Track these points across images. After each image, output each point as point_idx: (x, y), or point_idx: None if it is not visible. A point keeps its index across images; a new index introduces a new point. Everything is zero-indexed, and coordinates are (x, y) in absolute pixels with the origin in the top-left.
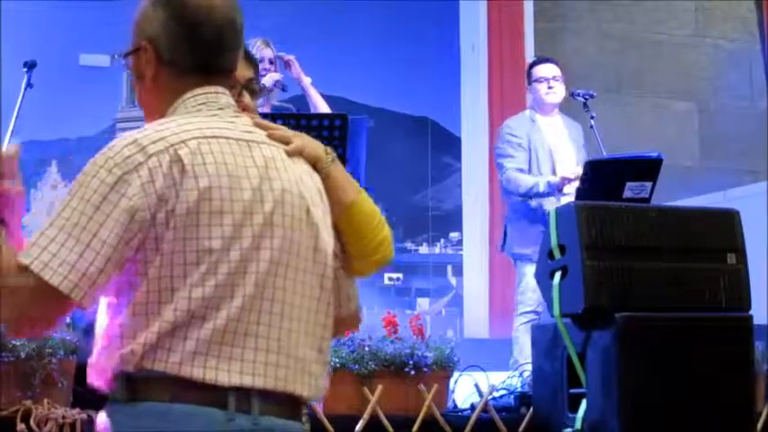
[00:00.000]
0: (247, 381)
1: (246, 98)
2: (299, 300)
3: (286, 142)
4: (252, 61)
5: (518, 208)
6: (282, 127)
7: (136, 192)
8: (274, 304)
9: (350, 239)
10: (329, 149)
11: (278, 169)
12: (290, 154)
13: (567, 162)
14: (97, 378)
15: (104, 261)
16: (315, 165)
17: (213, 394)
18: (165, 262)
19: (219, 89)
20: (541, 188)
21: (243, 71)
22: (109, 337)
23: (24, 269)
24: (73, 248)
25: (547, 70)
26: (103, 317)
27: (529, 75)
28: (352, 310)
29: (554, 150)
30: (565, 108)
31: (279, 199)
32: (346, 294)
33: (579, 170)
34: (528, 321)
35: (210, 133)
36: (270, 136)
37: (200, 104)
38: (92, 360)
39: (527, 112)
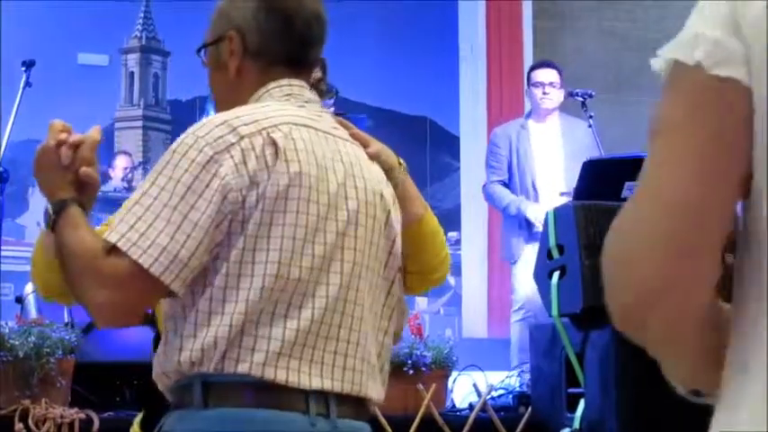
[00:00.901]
0: (327, 384)
1: None
2: (371, 303)
3: (366, 144)
4: (321, 61)
5: (506, 214)
6: (358, 130)
7: (228, 171)
8: (356, 307)
9: (412, 254)
10: (402, 160)
11: (362, 168)
12: (370, 156)
13: (551, 174)
14: (163, 377)
15: (196, 245)
16: (388, 173)
17: (294, 398)
18: (248, 246)
19: (303, 83)
20: (512, 211)
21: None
22: (179, 330)
23: (110, 250)
24: (163, 229)
25: (544, 75)
26: (172, 307)
27: (528, 78)
28: (400, 326)
29: (537, 161)
30: (564, 107)
31: (363, 198)
32: (401, 308)
33: (541, 213)
34: (521, 319)
35: (301, 122)
36: (352, 136)
37: (286, 95)
38: (159, 357)
39: (519, 119)
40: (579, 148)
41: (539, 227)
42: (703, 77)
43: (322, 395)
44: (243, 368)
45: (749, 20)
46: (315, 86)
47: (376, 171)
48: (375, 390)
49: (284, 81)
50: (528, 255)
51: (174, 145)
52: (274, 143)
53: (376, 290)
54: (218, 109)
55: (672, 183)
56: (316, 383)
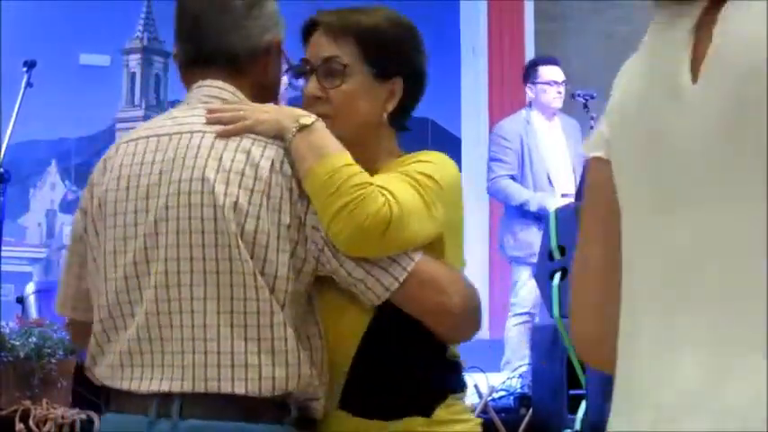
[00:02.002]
0: (165, 386)
1: (311, 82)
2: (211, 291)
3: (226, 124)
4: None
5: (510, 211)
6: (244, 107)
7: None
8: (183, 303)
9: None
10: (304, 118)
11: (187, 158)
12: (223, 135)
13: (562, 169)
14: None
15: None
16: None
17: (136, 402)
18: (92, 267)
19: (205, 82)
20: (533, 207)
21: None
22: None
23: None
24: None
25: (556, 74)
26: None
27: (532, 74)
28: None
29: (549, 156)
30: (566, 109)
31: (175, 190)
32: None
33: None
34: (522, 322)
35: (143, 134)
36: (207, 121)
37: (184, 102)
38: None
39: (522, 112)
40: (577, 143)
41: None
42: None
43: (167, 397)
44: (102, 380)
45: (611, 104)
46: (319, 68)
47: (208, 155)
48: (244, 381)
49: (193, 86)
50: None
51: None
52: (99, 165)
53: (212, 275)
54: None
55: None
56: (154, 386)
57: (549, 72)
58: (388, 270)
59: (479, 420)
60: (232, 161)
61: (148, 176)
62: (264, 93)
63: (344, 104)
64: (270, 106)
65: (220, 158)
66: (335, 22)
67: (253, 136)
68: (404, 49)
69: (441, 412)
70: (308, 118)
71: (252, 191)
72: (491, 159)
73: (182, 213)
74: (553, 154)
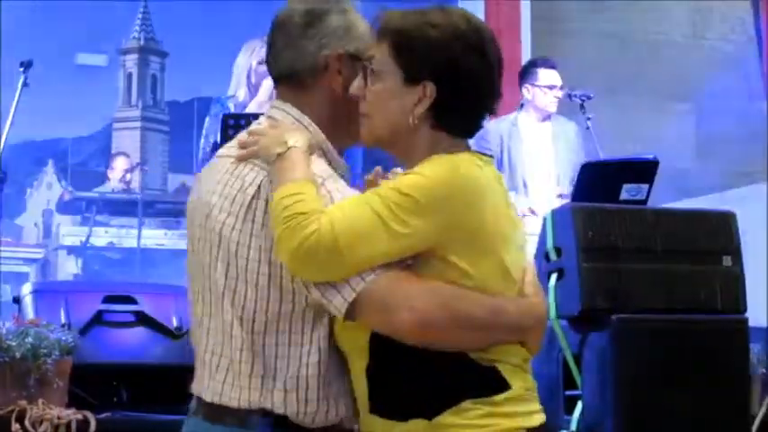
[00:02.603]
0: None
1: (356, 82)
2: (207, 309)
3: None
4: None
5: None
6: (269, 132)
7: None
8: (202, 318)
9: None
10: (282, 145)
11: (208, 181)
12: (239, 160)
13: (542, 174)
14: None
15: None
16: None
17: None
18: None
19: (274, 103)
20: None
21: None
22: None
23: None
24: None
25: (555, 78)
26: None
27: (531, 75)
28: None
29: (528, 160)
30: (561, 109)
31: (190, 214)
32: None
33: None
34: None
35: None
36: (238, 146)
37: None
38: None
39: (511, 115)
40: (569, 148)
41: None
42: None
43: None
44: None
45: None
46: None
47: (216, 178)
48: (204, 386)
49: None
50: None
51: None
52: None
53: (205, 291)
54: None
55: None
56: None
57: (548, 76)
58: (340, 291)
59: (507, 426)
60: (230, 187)
61: (197, 194)
62: (342, 107)
63: (376, 105)
64: (285, 129)
65: (225, 184)
66: (380, 24)
67: (256, 162)
68: (435, 52)
69: (449, 417)
70: (284, 145)
71: (236, 216)
72: None
73: (200, 234)
74: (534, 158)
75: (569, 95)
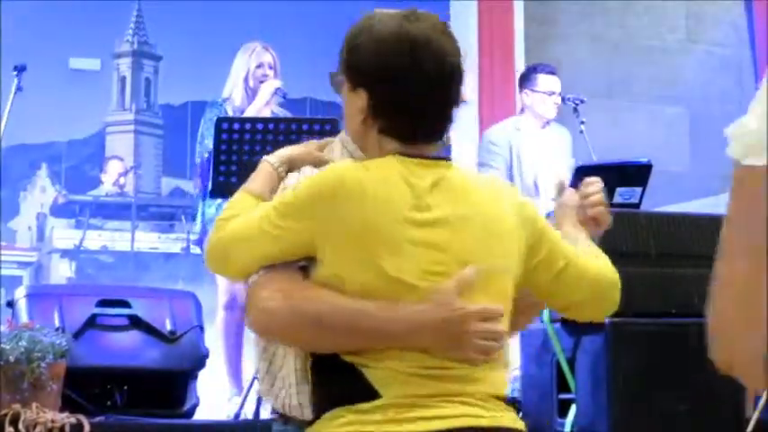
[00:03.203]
0: None
1: None
2: None
3: None
4: None
5: None
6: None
7: None
8: None
9: None
10: (271, 156)
11: None
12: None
13: (550, 176)
14: None
15: None
16: None
17: None
18: None
19: None
20: None
21: None
22: None
23: None
24: None
25: (555, 84)
26: None
27: (531, 81)
28: None
29: (537, 163)
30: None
31: None
32: None
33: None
34: None
35: None
36: None
37: None
38: None
39: (513, 119)
40: (566, 153)
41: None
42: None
43: None
44: None
45: None
46: None
47: None
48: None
49: None
50: None
51: None
52: None
53: None
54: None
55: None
56: None
57: (548, 82)
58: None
59: None
60: None
61: None
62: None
63: (344, 113)
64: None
65: None
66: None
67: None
68: (366, 59)
69: (322, 422)
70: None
71: None
72: (480, 165)
73: None
74: (541, 161)
75: (563, 99)
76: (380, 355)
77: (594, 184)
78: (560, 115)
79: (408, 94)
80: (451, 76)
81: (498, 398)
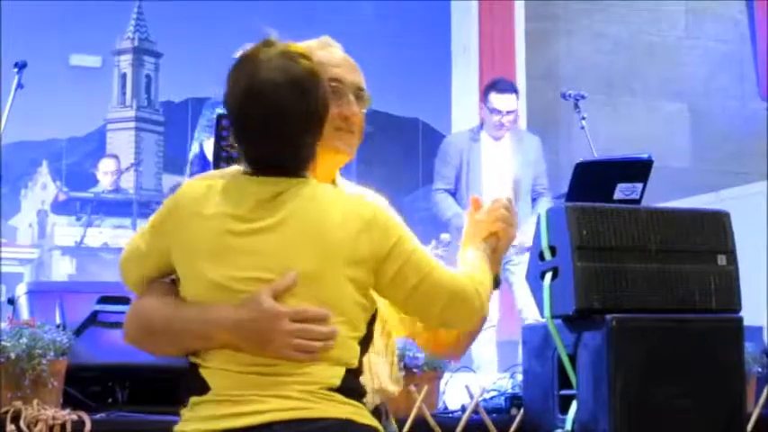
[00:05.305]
0: None
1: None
2: None
3: None
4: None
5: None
6: None
7: None
8: None
9: None
10: None
11: None
12: None
13: (497, 189)
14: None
15: None
16: None
17: None
18: None
19: None
20: (455, 223)
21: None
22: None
23: None
24: None
25: (504, 103)
26: None
27: (485, 95)
28: None
29: (487, 175)
30: (556, 108)
31: None
32: None
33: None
34: (486, 329)
35: None
36: None
37: None
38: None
39: (472, 129)
40: (529, 161)
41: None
42: None
43: None
44: None
45: None
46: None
47: None
48: None
49: None
50: None
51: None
52: None
53: None
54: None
55: None
56: None
57: (497, 100)
58: None
59: (195, 428)
60: None
61: None
62: None
63: None
64: None
65: None
66: None
67: None
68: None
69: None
70: None
71: None
72: (434, 171)
73: None
74: (492, 173)
75: (563, 95)
76: (212, 355)
77: (500, 202)
78: (561, 111)
79: (237, 128)
80: (269, 109)
81: (333, 390)
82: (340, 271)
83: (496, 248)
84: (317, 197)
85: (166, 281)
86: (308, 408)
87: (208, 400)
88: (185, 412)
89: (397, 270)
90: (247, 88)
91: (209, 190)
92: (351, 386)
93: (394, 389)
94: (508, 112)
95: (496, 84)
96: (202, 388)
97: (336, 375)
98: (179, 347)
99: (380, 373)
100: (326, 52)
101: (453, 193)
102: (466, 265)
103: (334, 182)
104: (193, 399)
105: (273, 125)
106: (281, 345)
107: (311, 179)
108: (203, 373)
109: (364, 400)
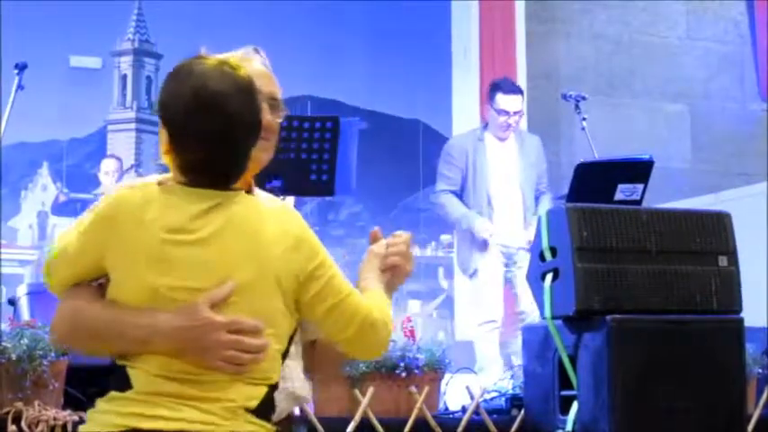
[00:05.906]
0: None
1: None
2: None
3: None
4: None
5: (458, 227)
6: None
7: None
8: None
9: None
10: None
11: None
12: None
13: (507, 190)
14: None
15: None
16: None
17: None
18: None
19: None
20: (464, 225)
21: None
22: None
23: None
24: None
25: (512, 104)
26: None
27: (490, 96)
28: None
29: (493, 176)
30: (557, 109)
31: None
32: None
33: (490, 228)
34: (491, 330)
35: None
36: None
37: None
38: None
39: (476, 129)
40: (531, 162)
41: (490, 242)
42: None
43: None
44: None
45: None
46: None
47: None
48: None
49: None
50: (485, 268)
51: None
52: None
53: None
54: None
55: None
56: None
57: (504, 101)
58: None
59: (112, 421)
60: None
61: None
62: None
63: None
64: None
65: None
66: None
67: None
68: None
69: (99, 404)
70: None
71: None
72: (438, 173)
73: None
74: (499, 174)
75: (563, 96)
76: (140, 358)
77: (401, 237)
78: (561, 112)
79: (173, 136)
80: (222, 119)
81: (250, 410)
82: (272, 284)
83: (390, 283)
84: (251, 209)
85: (94, 284)
86: (216, 424)
87: (126, 397)
88: (100, 402)
89: (318, 290)
90: (195, 100)
91: (148, 198)
92: (266, 405)
93: (308, 394)
94: (515, 113)
95: (502, 85)
96: (125, 385)
97: (256, 397)
98: (115, 349)
99: (294, 379)
100: (246, 64)
101: (459, 195)
102: (369, 297)
103: (250, 188)
104: (113, 393)
105: (225, 134)
106: (212, 355)
107: (241, 192)
108: (129, 371)
109: (278, 410)
